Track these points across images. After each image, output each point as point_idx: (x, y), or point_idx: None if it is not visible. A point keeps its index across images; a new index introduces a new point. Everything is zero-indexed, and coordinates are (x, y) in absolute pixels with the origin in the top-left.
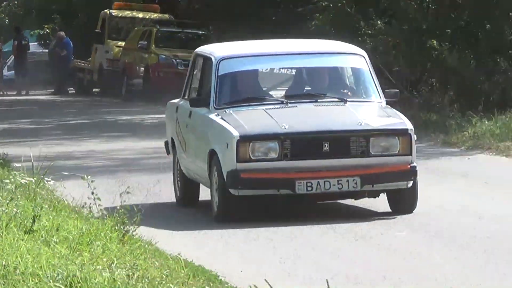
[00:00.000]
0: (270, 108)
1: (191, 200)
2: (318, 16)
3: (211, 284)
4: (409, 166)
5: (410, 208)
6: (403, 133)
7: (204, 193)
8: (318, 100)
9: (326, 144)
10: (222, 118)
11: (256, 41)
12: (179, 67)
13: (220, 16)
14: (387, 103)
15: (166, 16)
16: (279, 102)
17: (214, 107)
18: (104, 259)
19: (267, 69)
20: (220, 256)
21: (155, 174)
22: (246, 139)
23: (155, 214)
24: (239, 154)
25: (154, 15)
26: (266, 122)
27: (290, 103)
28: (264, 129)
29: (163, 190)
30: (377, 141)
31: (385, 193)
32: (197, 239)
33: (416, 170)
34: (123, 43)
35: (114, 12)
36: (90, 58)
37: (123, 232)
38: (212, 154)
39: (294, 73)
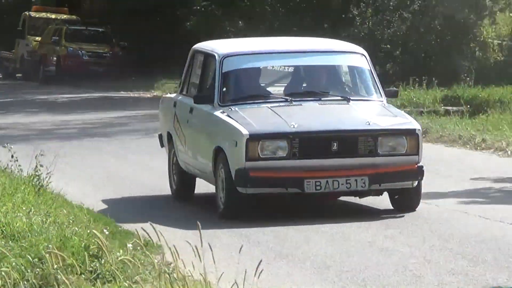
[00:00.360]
0: (276, 106)
1: (187, 193)
2: (193, 18)
3: (108, 227)
4: (416, 165)
5: (413, 206)
6: (411, 133)
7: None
8: (322, 99)
9: (335, 144)
10: (228, 116)
11: (256, 38)
12: (84, 57)
13: (115, 17)
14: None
15: (74, 17)
16: (284, 100)
17: (219, 104)
18: (24, 208)
19: (260, 67)
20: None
21: (63, 141)
22: (255, 137)
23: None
24: (248, 152)
25: (64, 16)
26: (275, 121)
27: (294, 101)
28: (274, 127)
29: (68, 152)
30: (385, 140)
31: (388, 192)
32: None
33: (423, 170)
34: (39, 38)
35: (33, 14)
36: (14, 50)
37: (39, 186)
38: (218, 152)
39: (292, 70)
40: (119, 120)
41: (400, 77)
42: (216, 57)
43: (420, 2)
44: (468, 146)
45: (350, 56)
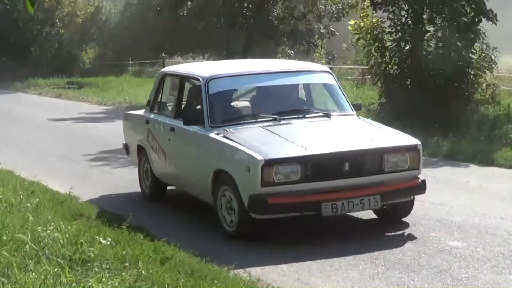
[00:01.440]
0: (269, 126)
1: (160, 195)
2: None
3: None
4: (419, 180)
5: (406, 214)
6: (412, 148)
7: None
8: (306, 116)
9: (347, 164)
10: (226, 137)
11: (234, 61)
12: None
13: None
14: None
15: None
16: (272, 119)
17: (210, 125)
18: None
19: (244, 87)
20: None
21: None
22: (270, 163)
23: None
24: (263, 178)
25: None
26: (283, 144)
27: (282, 119)
28: (286, 152)
29: None
30: (389, 157)
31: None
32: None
33: (426, 184)
34: None
35: None
36: None
37: None
38: (218, 173)
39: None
40: None
41: None
42: (201, 80)
43: (106, 36)
44: None
45: (321, 74)
